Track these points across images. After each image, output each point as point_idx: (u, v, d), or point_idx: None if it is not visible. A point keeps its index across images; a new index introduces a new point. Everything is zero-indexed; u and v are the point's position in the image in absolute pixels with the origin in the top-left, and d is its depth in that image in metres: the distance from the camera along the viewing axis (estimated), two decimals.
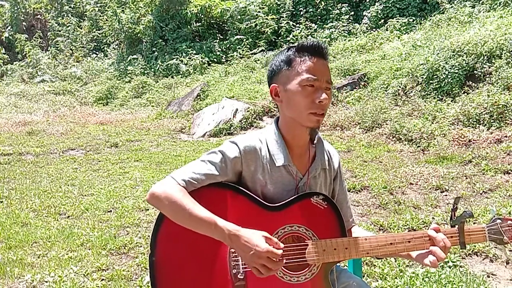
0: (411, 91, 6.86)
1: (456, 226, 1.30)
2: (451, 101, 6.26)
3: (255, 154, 1.33)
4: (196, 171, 1.27)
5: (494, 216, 1.32)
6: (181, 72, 12.45)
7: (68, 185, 4.91)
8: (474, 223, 3.19)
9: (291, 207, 1.31)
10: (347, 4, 11.90)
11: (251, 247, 1.16)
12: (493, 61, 6.21)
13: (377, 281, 2.57)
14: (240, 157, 1.31)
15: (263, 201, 1.31)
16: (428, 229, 1.32)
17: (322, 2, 12.25)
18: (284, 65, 1.31)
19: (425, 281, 2.50)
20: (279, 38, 12.53)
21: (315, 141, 1.42)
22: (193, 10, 13.48)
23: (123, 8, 14.68)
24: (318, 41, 1.30)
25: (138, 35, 14.13)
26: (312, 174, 1.38)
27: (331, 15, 12.01)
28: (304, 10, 12.46)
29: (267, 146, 1.35)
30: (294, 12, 12.78)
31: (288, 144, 1.35)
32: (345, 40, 10.91)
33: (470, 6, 9.24)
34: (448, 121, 5.80)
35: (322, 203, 1.32)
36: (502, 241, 1.28)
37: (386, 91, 7.33)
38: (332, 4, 12.22)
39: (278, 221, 1.30)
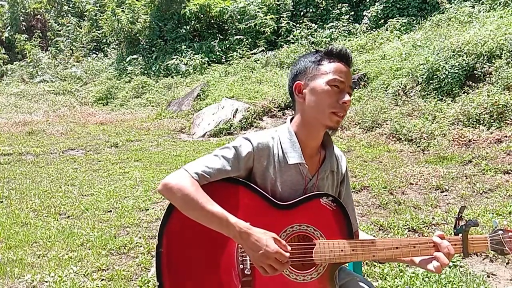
0: (411, 91, 6.86)
1: (460, 235, 1.32)
2: (451, 101, 6.26)
3: (268, 150, 1.35)
4: (210, 166, 1.28)
5: (496, 227, 1.33)
6: (181, 72, 12.44)
7: (68, 185, 4.91)
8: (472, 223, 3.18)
9: (301, 206, 1.33)
10: (347, 4, 11.89)
11: (261, 246, 1.18)
12: (493, 61, 6.21)
13: (377, 281, 2.57)
14: (253, 153, 1.32)
15: (273, 199, 1.32)
16: (430, 231, 1.33)
17: (323, 2, 12.24)
18: (312, 64, 1.35)
19: (425, 281, 2.50)
20: (279, 38, 12.52)
21: (325, 143, 1.44)
22: (192, 9, 13.47)
23: (122, 8, 14.68)
24: (346, 48, 1.36)
25: (137, 35, 14.13)
26: (321, 176, 1.40)
27: (331, 15, 12.00)
28: (305, 10, 12.45)
29: (280, 144, 1.36)
30: (294, 12, 12.77)
31: (301, 144, 1.37)
32: (345, 40, 10.90)
33: (470, 6, 9.23)
34: (448, 121, 5.79)
35: (332, 204, 1.34)
36: (503, 252, 1.31)
37: (386, 91, 7.33)
38: (332, 4, 12.22)
39: (287, 220, 1.31)
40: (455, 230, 1.34)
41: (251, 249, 1.20)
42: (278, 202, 1.32)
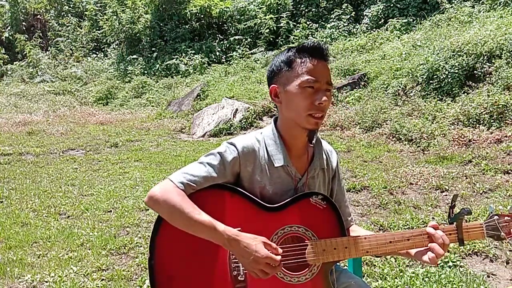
0: (411, 91, 6.86)
1: (454, 223, 1.31)
2: (451, 101, 6.26)
3: (254, 154, 1.33)
4: (195, 174, 1.26)
5: (491, 213, 1.32)
6: (181, 72, 12.45)
7: (68, 185, 4.91)
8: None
9: (290, 207, 1.31)
10: (347, 4, 11.89)
11: (251, 252, 1.17)
12: (493, 61, 6.21)
13: (377, 281, 2.57)
14: (238, 158, 1.30)
15: (261, 202, 1.30)
16: (427, 226, 1.32)
17: (323, 2, 12.25)
18: (284, 65, 1.30)
19: (425, 281, 2.50)
20: (279, 38, 12.53)
21: (313, 141, 1.41)
22: (192, 9, 13.48)
23: (123, 8, 14.68)
24: (318, 42, 1.30)
25: (137, 35, 14.13)
26: (311, 175, 1.38)
27: (331, 15, 12.01)
28: (305, 9, 12.45)
29: (266, 147, 1.34)
30: (294, 12, 12.78)
31: (286, 145, 1.35)
32: (345, 40, 10.91)
33: (470, 6, 9.23)
34: (448, 121, 5.79)
35: (321, 202, 1.32)
36: (500, 237, 1.30)
37: (386, 91, 7.33)
38: (332, 4, 12.22)
39: (278, 222, 1.30)
40: (449, 219, 1.32)
41: (241, 255, 1.19)
42: (268, 205, 1.30)
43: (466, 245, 2.82)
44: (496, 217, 1.31)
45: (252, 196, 1.30)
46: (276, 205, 1.30)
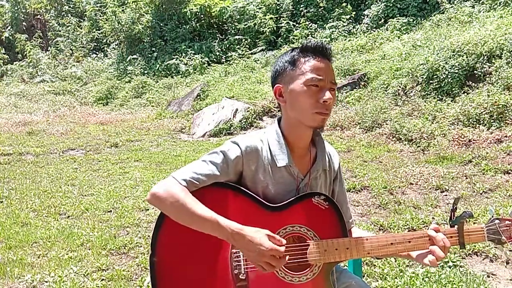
0: (411, 91, 6.86)
1: (456, 226, 1.31)
2: (451, 101, 6.26)
3: (256, 154, 1.33)
4: (198, 172, 1.26)
5: (492, 216, 1.32)
6: (181, 72, 12.45)
7: (68, 185, 4.91)
8: (474, 223, 3.19)
9: (293, 207, 1.31)
10: (347, 4, 11.88)
11: (255, 245, 1.18)
12: (493, 61, 6.20)
13: (377, 281, 2.57)
14: (241, 157, 1.30)
15: (264, 201, 1.31)
16: (428, 229, 1.32)
17: (323, 2, 12.25)
18: (288, 65, 1.31)
19: (425, 281, 2.50)
20: (279, 38, 12.53)
21: (316, 142, 1.42)
22: (192, 9, 13.49)
23: (123, 8, 14.69)
24: (322, 41, 1.31)
25: (138, 35, 14.14)
26: (313, 175, 1.38)
27: (332, 15, 12.00)
28: (305, 9, 12.45)
29: (269, 147, 1.35)
30: (294, 12, 12.78)
31: (289, 145, 1.35)
32: (345, 40, 10.91)
33: (470, 6, 9.23)
34: (448, 121, 5.79)
35: (324, 203, 1.33)
36: (500, 241, 1.30)
37: (386, 91, 7.32)
38: (332, 4, 12.22)
39: (280, 222, 1.30)
40: (450, 222, 1.33)
41: (245, 249, 1.19)
42: (270, 204, 1.30)
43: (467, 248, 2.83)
44: (497, 221, 1.31)
45: (255, 196, 1.30)
46: (279, 204, 1.31)
